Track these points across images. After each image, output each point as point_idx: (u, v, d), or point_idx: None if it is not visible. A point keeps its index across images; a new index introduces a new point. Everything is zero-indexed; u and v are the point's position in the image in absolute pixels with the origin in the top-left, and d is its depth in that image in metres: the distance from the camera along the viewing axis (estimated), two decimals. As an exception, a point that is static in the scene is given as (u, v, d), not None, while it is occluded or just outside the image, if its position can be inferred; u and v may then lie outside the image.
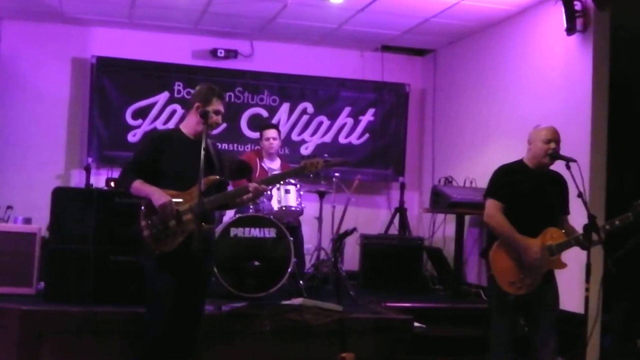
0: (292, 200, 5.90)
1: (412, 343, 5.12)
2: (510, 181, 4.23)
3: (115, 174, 6.78)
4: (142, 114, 7.69)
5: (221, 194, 4.11)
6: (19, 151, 7.48)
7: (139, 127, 7.67)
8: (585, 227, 3.92)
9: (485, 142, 7.19)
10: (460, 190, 6.87)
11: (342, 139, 8.24)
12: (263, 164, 6.36)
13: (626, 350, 5.58)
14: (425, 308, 5.88)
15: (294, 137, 8.11)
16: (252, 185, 4.06)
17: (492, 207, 4.21)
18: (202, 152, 3.75)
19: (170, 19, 7.46)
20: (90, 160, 7.46)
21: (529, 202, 4.16)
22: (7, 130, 7.46)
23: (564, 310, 4.48)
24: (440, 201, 6.79)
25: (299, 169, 4.24)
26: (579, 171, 3.99)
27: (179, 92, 7.77)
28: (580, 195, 3.92)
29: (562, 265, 4.20)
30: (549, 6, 6.17)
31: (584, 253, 4.00)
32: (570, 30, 5.76)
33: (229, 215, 5.89)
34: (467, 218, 6.88)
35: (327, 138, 8.20)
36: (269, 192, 5.75)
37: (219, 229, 5.43)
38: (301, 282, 5.85)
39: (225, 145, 7.69)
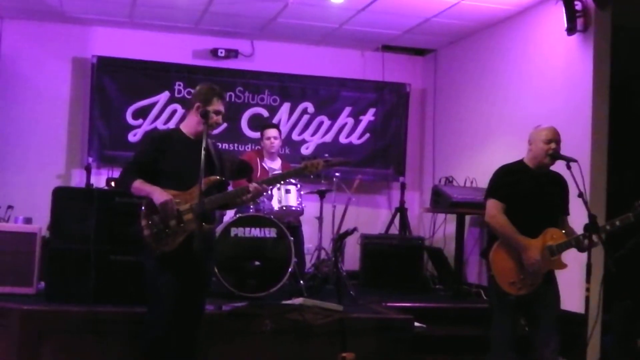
0: (292, 200, 5.90)
1: (412, 343, 5.11)
2: (511, 181, 4.23)
3: (116, 173, 6.78)
4: (142, 113, 7.69)
5: (221, 194, 4.11)
6: (20, 151, 7.48)
7: (139, 126, 7.67)
8: (586, 227, 3.92)
9: (485, 142, 7.18)
10: (461, 190, 6.87)
11: (342, 139, 8.24)
12: (264, 164, 6.36)
13: (627, 350, 5.57)
14: (426, 308, 5.87)
15: (295, 137, 8.11)
16: (252, 186, 4.06)
17: (493, 207, 4.21)
18: (203, 152, 3.75)
19: (171, 19, 7.46)
20: (90, 160, 7.46)
21: (529, 202, 4.16)
22: (8, 130, 7.46)
23: (565, 310, 4.47)
24: (440, 201, 6.79)
25: (299, 170, 4.24)
26: (580, 171, 4.00)
27: (179, 91, 7.77)
28: (580, 195, 3.92)
29: (563, 266, 4.20)
30: (549, 6, 6.16)
31: (584, 253, 4.00)
32: (570, 30, 5.76)
33: (230, 215, 5.88)
34: (467, 218, 6.88)
35: (328, 138, 8.19)
36: (269, 192, 5.76)
37: (219, 229, 5.44)
38: (302, 281, 5.84)
39: (225, 145, 7.69)
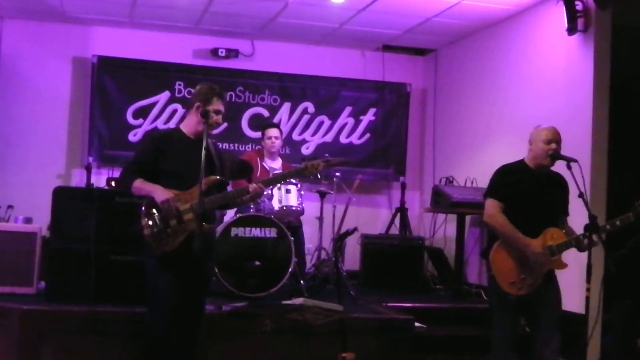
0: (292, 200, 5.90)
1: (412, 343, 5.11)
2: (511, 181, 4.23)
3: (116, 173, 6.78)
4: (142, 113, 7.69)
5: (221, 193, 4.11)
6: (20, 150, 7.48)
7: (139, 126, 7.67)
8: (586, 227, 3.92)
9: (486, 142, 7.18)
10: (461, 190, 6.87)
11: (343, 139, 8.24)
12: (264, 164, 6.36)
13: (627, 350, 5.57)
14: (426, 308, 5.87)
15: (295, 136, 8.10)
16: (252, 186, 4.07)
17: (492, 206, 4.21)
18: (203, 152, 3.76)
19: (171, 19, 7.46)
20: (91, 159, 7.46)
21: (529, 202, 4.16)
22: (8, 130, 7.46)
23: (565, 310, 4.47)
24: (441, 201, 6.79)
25: (300, 171, 4.24)
26: (580, 171, 4.00)
27: (179, 91, 7.77)
28: (581, 195, 3.92)
29: (563, 266, 4.20)
30: (550, 6, 6.16)
31: (584, 253, 4.00)
32: (571, 30, 5.76)
33: (230, 214, 5.89)
34: (468, 218, 6.88)
35: (328, 138, 8.19)
36: (269, 192, 5.76)
37: (219, 229, 5.43)
38: (302, 281, 5.84)
39: (226, 145, 7.69)
